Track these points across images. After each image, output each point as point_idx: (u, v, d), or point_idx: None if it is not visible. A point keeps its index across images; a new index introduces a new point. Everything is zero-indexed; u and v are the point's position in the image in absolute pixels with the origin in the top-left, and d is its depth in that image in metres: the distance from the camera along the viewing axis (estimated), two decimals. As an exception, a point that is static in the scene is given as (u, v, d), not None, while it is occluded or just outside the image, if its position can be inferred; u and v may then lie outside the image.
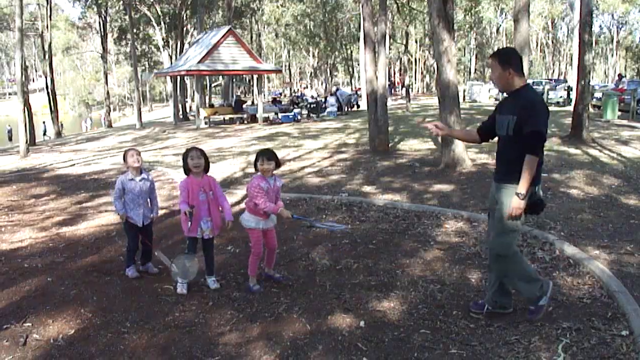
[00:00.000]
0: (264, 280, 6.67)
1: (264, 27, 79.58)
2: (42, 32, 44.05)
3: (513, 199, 5.09)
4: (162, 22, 51.53)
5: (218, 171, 13.75)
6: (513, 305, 5.63)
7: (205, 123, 34.36)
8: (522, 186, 5.02)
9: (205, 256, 6.73)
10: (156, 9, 50.94)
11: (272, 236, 6.63)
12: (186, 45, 49.78)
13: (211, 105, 41.76)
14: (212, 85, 65.19)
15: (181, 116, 44.12)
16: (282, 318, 5.70)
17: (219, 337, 5.34)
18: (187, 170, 6.53)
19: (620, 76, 40.88)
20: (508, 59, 5.23)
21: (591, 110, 23.51)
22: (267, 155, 6.33)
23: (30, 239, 9.25)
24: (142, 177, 7.03)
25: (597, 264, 6.71)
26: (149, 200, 7.18)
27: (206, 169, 6.54)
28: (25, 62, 29.76)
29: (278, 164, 6.47)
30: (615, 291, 5.89)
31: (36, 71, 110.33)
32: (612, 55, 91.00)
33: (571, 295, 6.03)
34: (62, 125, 47.75)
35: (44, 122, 48.85)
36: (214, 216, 6.57)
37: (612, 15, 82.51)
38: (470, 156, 14.78)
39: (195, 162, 6.42)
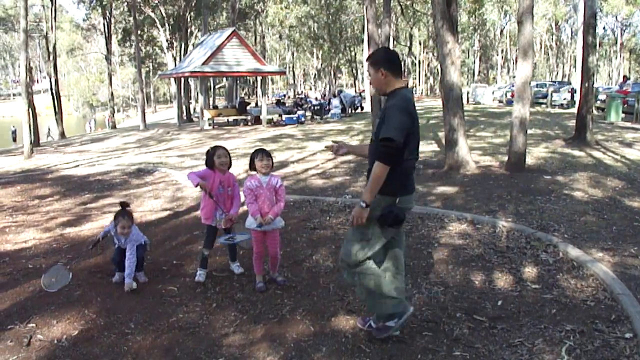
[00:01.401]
0: (268, 282, 6.68)
1: (268, 29, 79.57)
2: (46, 33, 44.18)
3: (355, 207, 4.93)
4: (166, 24, 51.62)
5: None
6: (497, 308, 5.61)
7: (209, 124, 34.42)
8: (365, 194, 4.86)
9: (229, 245, 7.04)
10: (160, 11, 51.04)
11: (273, 241, 6.60)
12: (190, 47, 49.94)
13: (215, 107, 41.82)
14: (216, 86, 65.30)
15: (185, 118, 44.28)
16: (286, 320, 5.71)
17: (223, 338, 5.35)
18: (211, 165, 6.76)
19: (625, 78, 40.86)
20: (380, 60, 4.98)
21: (595, 112, 23.50)
22: (265, 152, 6.50)
23: (35, 239, 9.27)
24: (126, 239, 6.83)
25: (601, 267, 6.70)
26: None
27: (229, 166, 6.85)
28: (29, 64, 29.78)
29: (230, 162, 6.90)
30: (619, 294, 5.88)
31: (40, 72, 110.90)
32: (616, 57, 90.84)
33: (575, 297, 6.02)
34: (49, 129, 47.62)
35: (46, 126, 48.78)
36: (228, 210, 6.84)
37: (616, 17, 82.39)
38: (474, 158, 14.78)
39: (222, 160, 6.72)
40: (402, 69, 5.09)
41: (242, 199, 6.74)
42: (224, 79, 51.38)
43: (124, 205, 6.95)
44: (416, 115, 4.93)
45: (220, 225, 6.86)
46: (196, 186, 6.53)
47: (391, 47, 25.72)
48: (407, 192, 4.98)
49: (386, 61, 4.96)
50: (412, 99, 4.97)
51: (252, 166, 6.50)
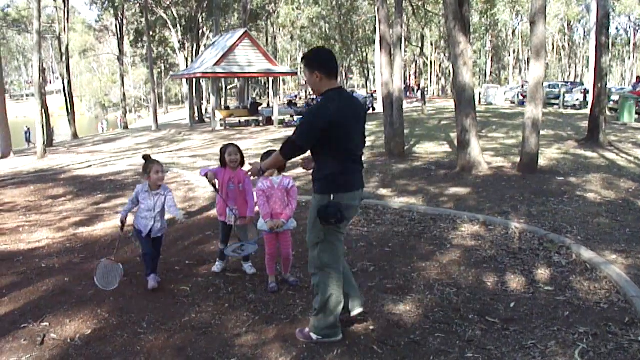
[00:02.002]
0: (280, 283, 6.68)
1: (280, 30, 79.59)
2: (59, 34, 44.34)
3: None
4: (178, 25, 51.72)
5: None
6: (497, 309, 5.61)
7: (221, 125, 34.48)
8: (265, 163, 5.37)
9: (240, 239, 7.02)
10: (172, 12, 51.15)
11: (285, 242, 6.66)
12: (202, 48, 50.03)
13: (227, 108, 41.85)
14: (228, 87, 65.38)
15: (197, 118, 44.35)
16: (298, 320, 5.70)
17: (235, 338, 5.35)
18: (223, 163, 6.93)
19: (639, 79, 40.68)
20: (314, 62, 5.04)
21: (608, 113, 23.38)
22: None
23: (48, 239, 9.32)
24: (157, 192, 6.65)
25: (614, 269, 6.68)
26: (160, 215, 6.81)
27: (242, 163, 6.97)
28: (42, 64, 29.94)
29: (242, 160, 7.03)
30: (633, 296, 5.85)
31: (53, 73, 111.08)
32: (629, 57, 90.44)
33: (588, 300, 6.00)
34: (53, 130, 47.70)
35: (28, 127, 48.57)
36: (239, 207, 6.93)
37: (629, 17, 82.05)
38: (487, 159, 14.75)
39: (232, 157, 6.84)
40: (337, 71, 5.12)
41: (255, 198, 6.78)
42: (236, 79, 51.42)
43: (147, 156, 6.80)
44: (351, 113, 5.01)
45: (231, 221, 6.92)
46: (203, 175, 6.72)
47: (403, 47, 25.71)
48: (343, 190, 4.99)
49: (321, 63, 5.03)
50: (346, 100, 5.06)
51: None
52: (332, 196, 4.95)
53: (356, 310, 5.47)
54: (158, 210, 6.68)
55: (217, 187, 6.87)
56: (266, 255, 6.62)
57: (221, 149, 6.96)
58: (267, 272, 6.64)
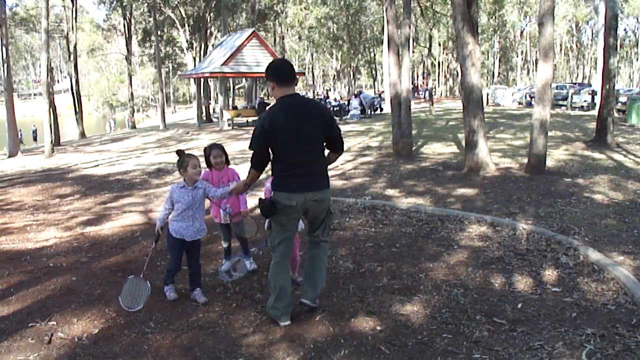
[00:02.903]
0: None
1: (288, 30, 79.67)
2: (67, 33, 44.43)
3: (236, 188, 6.10)
4: (186, 25, 51.71)
5: (241, 173, 13.72)
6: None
7: (229, 125, 34.52)
8: (246, 179, 5.80)
9: (237, 239, 7.26)
10: (180, 12, 51.15)
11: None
12: (210, 48, 50.03)
13: (234, 108, 41.86)
14: (236, 87, 65.40)
15: (204, 118, 44.39)
16: (306, 320, 5.70)
17: (243, 338, 5.36)
18: (209, 165, 6.99)
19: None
20: (268, 72, 5.48)
21: (616, 114, 23.36)
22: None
23: (55, 238, 9.34)
24: (195, 186, 6.22)
25: (622, 270, 6.66)
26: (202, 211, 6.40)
27: (227, 162, 7.03)
28: (50, 64, 30.03)
29: (227, 160, 7.09)
30: (640, 297, 5.85)
31: (61, 72, 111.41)
32: (637, 59, 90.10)
33: (595, 301, 5.99)
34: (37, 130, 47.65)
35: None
36: (232, 205, 7.04)
37: (638, 19, 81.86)
38: (494, 160, 14.73)
39: (218, 160, 6.89)
40: (291, 79, 5.46)
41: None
42: (244, 79, 51.47)
43: (181, 151, 6.39)
44: (292, 122, 5.30)
45: (227, 220, 7.07)
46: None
47: (410, 48, 25.71)
48: (283, 189, 5.43)
49: (272, 72, 5.46)
50: (295, 106, 5.41)
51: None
52: (272, 193, 5.50)
53: (304, 299, 5.84)
54: (197, 206, 6.23)
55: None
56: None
57: (205, 151, 7.01)
58: None
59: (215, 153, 6.87)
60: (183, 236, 6.20)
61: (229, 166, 7.08)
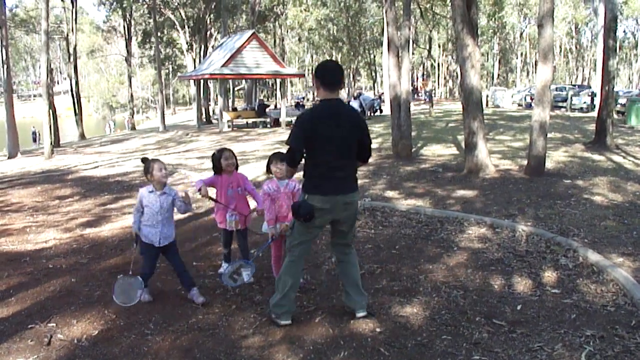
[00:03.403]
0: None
1: (288, 32, 79.61)
2: (67, 35, 44.44)
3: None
4: (186, 26, 51.76)
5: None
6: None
7: (228, 127, 34.51)
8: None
9: (239, 246, 7.16)
10: (180, 13, 51.20)
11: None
12: (210, 49, 50.03)
13: (234, 109, 41.91)
14: (236, 89, 65.37)
15: (204, 119, 44.39)
16: (305, 322, 5.71)
17: (242, 340, 5.36)
18: (218, 169, 6.85)
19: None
20: (317, 71, 5.51)
21: (615, 116, 23.37)
22: (280, 157, 6.44)
23: (55, 239, 9.35)
24: (163, 191, 6.25)
25: (621, 272, 6.66)
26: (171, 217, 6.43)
27: (236, 167, 6.93)
28: (50, 65, 30.05)
29: (236, 162, 6.99)
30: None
31: (61, 74, 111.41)
32: (637, 60, 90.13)
33: (595, 302, 5.99)
34: (38, 133, 47.52)
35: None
36: (240, 210, 6.93)
37: (637, 21, 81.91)
38: (494, 162, 14.73)
39: (230, 162, 6.81)
40: (338, 84, 5.49)
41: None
42: (243, 81, 51.51)
43: (145, 158, 6.55)
44: (329, 125, 5.36)
45: (232, 227, 6.96)
46: (198, 191, 6.61)
47: (410, 50, 25.71)
48: (317, 192, 5.41)
49: (322, 74, 5.46)
50: (334, 110, 5.46)
51: (268, 169, 6.60)
52: (306, 196, 5.42)
53: (360, 311, 5.75)
54: (165, 213, 6.25)
55: (214, 197, 6.90)
56: (272, 257, 6.66)
57: (215, 156, 6.87)
58: (274, 274, 6.65)
59: (227, 154, 6.80)
60: (152, 241, 6.27)
61: (237, 171, 7.03)
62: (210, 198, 6.83)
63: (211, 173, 7.00)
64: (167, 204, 6.26)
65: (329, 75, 5.43)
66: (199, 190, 6.59)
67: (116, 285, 6.21)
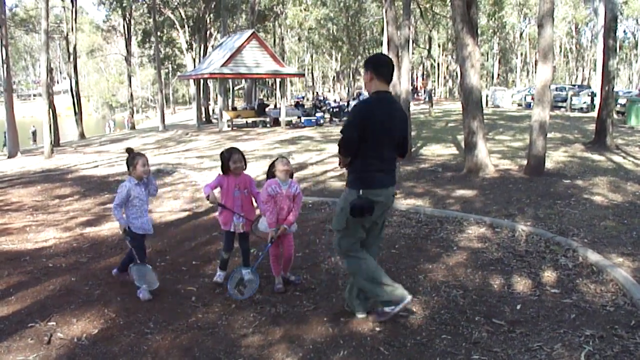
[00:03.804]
0: (286, 284, 6.68)
1: (287, 31, 79.54)
2: (67, 34, 44.37)
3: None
4: (185, 26, 51.72)
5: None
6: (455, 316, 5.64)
7: (228, 126, 34.47)
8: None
9: (241, 249, 6.98)
10: (180, 13, 51.16)
11: (288, 243, 6.71)
12: (209, 49, 49.98)
13: (234, 109, 41.85)
14: (235, 88, 65.33)
15: (204, 119, 44.32)
16: (305, 321, 5.72)
17: (242, 339, 5.37)
18: (225, 170, 6.71)
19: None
20: (369, 63, 5.54)
21: (615, 116, 23.37)
22: (285, 159, 6.57)
23: (55, 239, 9.36)
24: (143, 181, 6.64)
25: (621, 272, 6.66)
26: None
27: (244, 168, 6.81)
28: (50, 64, 30.06)
29: (245, 164, 6.84)
30: (639, 299, 5.84)
31: (61, 73, 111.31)
32: (637, 60, 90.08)
33: (594, 302, 6.00)
34: (35, 132, 47.46)
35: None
36: (247, 212, 6.80)
37: (637, 21, 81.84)
38: (493, 162, 14.74)
39: (238, 165, 6.66)
40: (390, 77, 5.53)
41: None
42: (243, 80, 51.46)
43: (130, 149, 6.90)
44: (385, 119, 5.35)
45: (239, 229, 6.79)
46: (207, 198, 6.56)
47: (410, 49, 25.68)
48: (371, 186, 5.35)
49: (376, 66, 5.47)
50: (390, 103, 5.51)
51: (270, 174, 6.64)
52: (360, 191, 5.30)
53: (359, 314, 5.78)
54: (146, 199, 6.70)
55: (220, 202, 6.76)
56: (270, 256, 6.65)
57: (224, 156, 6.70)
58: (273, 273, 6.66)
59: (237, 157, 6.64)
60: (146, 230, 6.62)
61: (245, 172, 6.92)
62: (220, 205, 6.72)
63: (211, 173, 6.99)
64: (145, 192, 6.65)
65: (384, 68, 5.44)
66: (207, 197, 6.55)
67: (133, 272, 6.41)
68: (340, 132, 5.44)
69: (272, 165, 6.62)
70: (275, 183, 6.43)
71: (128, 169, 6.62)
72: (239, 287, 6.53)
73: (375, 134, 5.30)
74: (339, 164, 5.75)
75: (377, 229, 5.73)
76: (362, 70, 5.59)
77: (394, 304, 5.46)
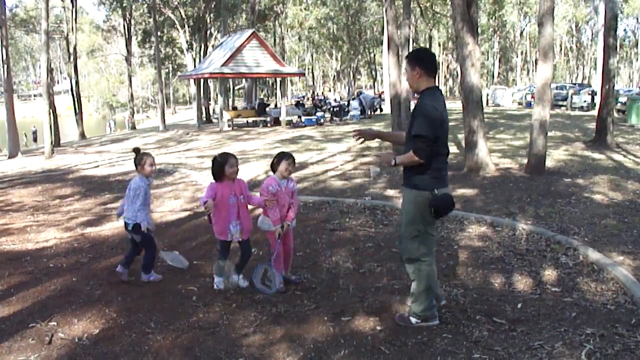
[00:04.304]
0: (286, 283, 6.68)
1: (288, 31, 79.52)
2: (67, 34, 44.40)
3: (386, 155, 5.50)
4: (186, 25, 51.71)
5: (241, 174, 13.71)
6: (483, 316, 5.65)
7: (229, 126, 34.48)
8: (400, 159, 5.34)
9: (243, 256, 6.78)
10: (180, 12, 51.15)
11: (289, 240, 6.72)
12: (210, 48, 49.99)
13: (234, 108, 41.86)
14: (236, 88, 65.37)
15: (204, 119, 44.33)
16: (306, 320, 5.72)
17: (243, 338, 5.37)
18: (219, 176, 6.43)
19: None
20: (416, 59, 5.34)
21: (615, 115, 23.37)
22: (293, 158, 6.50)
23: (56, 239, 9.36)
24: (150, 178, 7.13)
25: (622, 270, 6.66)
26: None
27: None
28: (50, 65, 30.04)
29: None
30: (640, 297, 5.86)
31: (61, 73, 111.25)
32: (637, 59, 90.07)
33: (595, 301, 6.00)
34: (36, 132, 47.46)
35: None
36: (243, 219, 6.58)
37: (637, 19, 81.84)
38: (494, 160, 14.73)
39: (235, 169, 6.43)
40: (436, 71, 5.44)
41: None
42: (243, 80, 51.46)
43: (138, 149, 7.14)
44: (445, 114, 5.24)
45: (237, 237, 6.57)
46: (204, 204, 6.23)
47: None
48: (442, 185, 5.26)
49: (423, 61, 5.31)
50: (442, 98, 5.31)
51: (274, 169, 6.58)
52: (435, 191, 5.17)
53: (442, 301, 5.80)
54: (150, 195, 7.06)
55: (211, 212, 6.43)
56: (272, 255, 6.63)
57: (217, 161, 6.44)
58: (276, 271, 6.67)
59: (233, 161, 6.43)
60: (150, 224, 6.98)
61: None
62: (209, 217, 6.58)
63: (207, 171, 6.96)
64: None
65: (431, 62, 5.34)
66: (204, 204, 6.22)
67: (163, 256, 7.12)
68: (419, 134, 5.08)
69: (278, 162, 6.50)
70: (275, 181, 6.43)
71: (136, 167, 6.91)
72: (265, 282, 6.51)
73: (444, 131, 5.26)
74: (391, 164, 5.41)
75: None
76: (405, 69, 5.33)
77: (422, 319, 5.47)
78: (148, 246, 6.87)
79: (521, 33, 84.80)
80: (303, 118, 35.34)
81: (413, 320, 5.49)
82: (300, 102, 50.89)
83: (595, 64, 41.17)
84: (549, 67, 13.32)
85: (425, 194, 5.19)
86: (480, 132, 13.92)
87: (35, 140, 46.26)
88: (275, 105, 48.25)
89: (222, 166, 6.38)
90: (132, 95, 59.59)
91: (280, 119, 35.60)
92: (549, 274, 6.86)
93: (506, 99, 46.35)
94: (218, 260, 6.74)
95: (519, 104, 44.83)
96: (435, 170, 5.23)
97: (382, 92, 55.48)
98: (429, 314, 5.46)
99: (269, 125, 35.84)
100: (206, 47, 52.22)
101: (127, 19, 55.36)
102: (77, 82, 43.33)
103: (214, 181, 6.50)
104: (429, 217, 5.27)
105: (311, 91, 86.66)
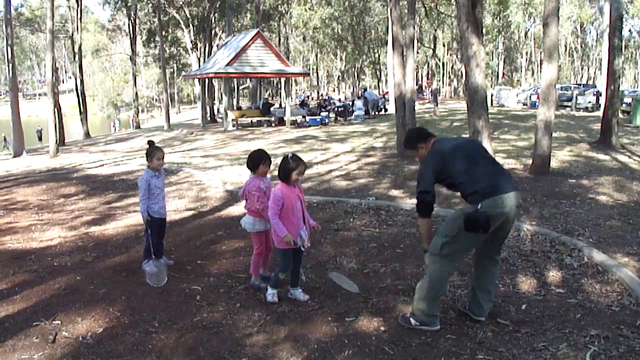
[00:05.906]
0: (264, 281, 6.66)
1: (292, 31, 79.55)
2: (72, 34, 44.50)
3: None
4: (190, 25, 51.70)
5: (246, 174, 13.77)
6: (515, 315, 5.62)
7: (233, 125, 34.47)
8: (424, 243, 5.67)
9: (295, 267, 6.28)
10: (185, 12, 51.17)
11: (268, 237, 6.61)
12: (214, 48, 50.01)
13: (239, 108, 41.89)
14: (240, 87, 65.37)
15: (209, 118, 44.36)
16: (310, 321, 5.72)
17: (247, 338, 5.37)
18: (286, 179, 5.91)
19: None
20: (413, 141, 5.63)
21: (620, 115, 23.30)
22: (301, 159, 5.99)
23: (60, 237, 9.37)
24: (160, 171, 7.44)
25: (626, 272, 6.65)
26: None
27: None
28: (55, 64, 30.06)
29: None
30: (645, 299, 5.84)
31: (66, 72, 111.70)
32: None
33: (600, 302, 5.99)
34: (41, 131, 47.48)
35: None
36: (307, 224, 6.19)
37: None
38: (499, 161, 14.66)
39: (300, 178, 6.01)
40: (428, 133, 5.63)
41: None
42: (248, 80, 51.41)
43: (152, 142, 7.44)
44: (456, 149, 5.37)
45: (307, 244, 6.08)
46: (291, 242, 5.82)
47: (415, 48, 25.61)
48: (489, 195, 5.08)
49: (418, 137, 5.60)
50: (448, 141, 5.65)
51: (284, 171, 5.91)
52: (479, 205, 5.07)
53: (480, 315, 5.64)
54: (162, 187, 7.46)
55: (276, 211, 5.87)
56: (254, 254, 6.68)
57: (289, 166, 5.85)
58: (251, 272, 6.80)
59: (302, 169, 5.93)
60: (162, 215, 7.43)
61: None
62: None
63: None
64: (162, 181, 7.53)
65: (423, 131, 5.58)
66: (291, 240, 5.80)
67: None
68: (417, 191, 5.59)
69: (288, 167, 5.85)
70: (260, 180, 6.43)
71: (147, 159, 7.27)
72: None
73: (454, 157, 5.37)
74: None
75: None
76: (411, 154, 5.42)
77: (422, 323, 5.45)
78: (151, 234, 7.17)
79: (526, 33, 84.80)
80: (307, 118, 35.32)
81: (413, 321, 5.48)
82: (305, 101, 50.86)
83: (600, 65, 41.10)
84: (554, 68, 13.30)
85: (471, 207, 5.13)
86: (485, 132, 13.88)
87: (40, 139, 46.28)
88: (280, 105, 48.25)
89: (291, 172, 5.85)
90: (136, 94, 59.74)
91: (285, 118, 35.56)
92: (554, 275, 6.85)
93: (511, 100, 46.31)
94: (279, 272, 6.19)
95: (524, 104, 44.77)
96: (473, 184, 5.17)
97: (387, 92, 55.46)
98: (429, 319, 5.42)
99: (273, 125, 35.83)
100: (211, 47, 52.25)
101: (132, 19, 55.48)
102: (82, 81, 43.45)
103: (253, 176, 6.52)
104: (462, 230, 5.12)
105: (316, 91, 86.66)
